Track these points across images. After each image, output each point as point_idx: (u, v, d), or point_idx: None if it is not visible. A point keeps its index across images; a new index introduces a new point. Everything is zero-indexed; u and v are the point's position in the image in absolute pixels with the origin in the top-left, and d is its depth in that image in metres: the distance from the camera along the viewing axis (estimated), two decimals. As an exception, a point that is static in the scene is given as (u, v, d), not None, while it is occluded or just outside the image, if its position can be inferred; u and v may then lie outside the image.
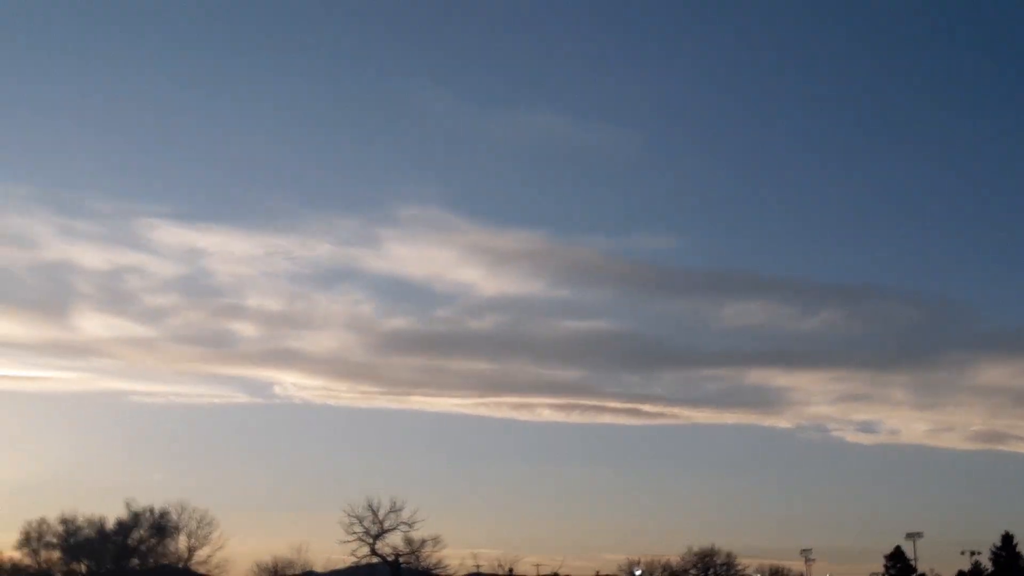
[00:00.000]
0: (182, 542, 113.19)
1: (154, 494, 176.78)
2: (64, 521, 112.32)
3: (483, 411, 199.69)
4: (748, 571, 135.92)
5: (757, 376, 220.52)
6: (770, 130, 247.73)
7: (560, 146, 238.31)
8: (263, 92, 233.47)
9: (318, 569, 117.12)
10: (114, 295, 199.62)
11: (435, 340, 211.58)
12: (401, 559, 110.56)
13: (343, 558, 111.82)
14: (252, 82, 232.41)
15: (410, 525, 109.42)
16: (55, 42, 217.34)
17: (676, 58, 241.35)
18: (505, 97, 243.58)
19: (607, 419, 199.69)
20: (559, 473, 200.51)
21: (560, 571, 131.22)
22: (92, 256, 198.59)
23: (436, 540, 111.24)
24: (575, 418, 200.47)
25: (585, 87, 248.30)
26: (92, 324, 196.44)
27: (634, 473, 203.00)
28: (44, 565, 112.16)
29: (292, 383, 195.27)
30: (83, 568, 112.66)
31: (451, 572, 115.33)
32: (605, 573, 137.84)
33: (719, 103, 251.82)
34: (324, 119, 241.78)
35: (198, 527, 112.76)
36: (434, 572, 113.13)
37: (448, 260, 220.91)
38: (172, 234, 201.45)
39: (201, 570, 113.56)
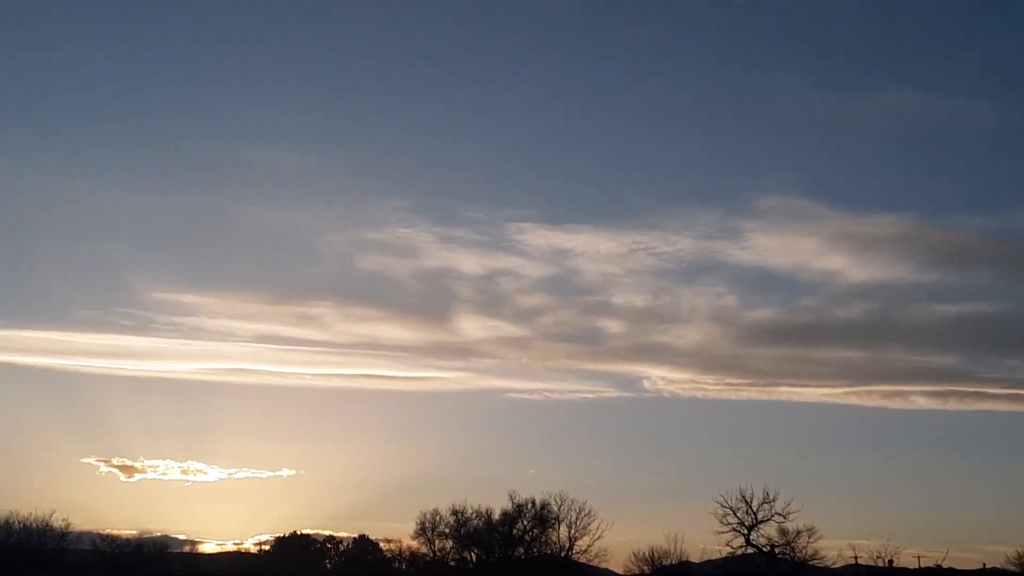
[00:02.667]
0: (563, 532, 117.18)
1: (533, 486, 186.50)
2: (455, 512, 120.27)
3: (853, 400, 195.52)
4: None
5: None
6: None
7: (918, 125, 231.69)
8: (624, 93, 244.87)
9: (694, 559, 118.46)
10: (490, 297, 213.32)
11: (801, 330, 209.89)
12: (777, 550, 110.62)
13: (718, 548, 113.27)
14: (609, 86, 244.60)
15: (784, 516, 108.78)
16: (424, 62, 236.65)
17: None
18: (859, 80, 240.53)
19: (987, 406, 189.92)
20: (936, 462, 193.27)
21: (943, 563, 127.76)
22: (469, 261, 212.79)
23: (811, 531, 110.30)
24: (952, 405, 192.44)
25: (937, 62, 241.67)
26: (471, 326, 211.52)
27: (1021, 462, 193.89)
28: (439, 554, 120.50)
29: (660, 377, 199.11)
30: (473, 557, 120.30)
31: (828, 563, 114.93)
32: (992, 566, 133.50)
33: None
34: (681, 115, 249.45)
35: (577, 518, 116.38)
36: (810, 563, 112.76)
37: (812, 248, 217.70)
38: (541, 237, 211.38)
39: (581, 559, 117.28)
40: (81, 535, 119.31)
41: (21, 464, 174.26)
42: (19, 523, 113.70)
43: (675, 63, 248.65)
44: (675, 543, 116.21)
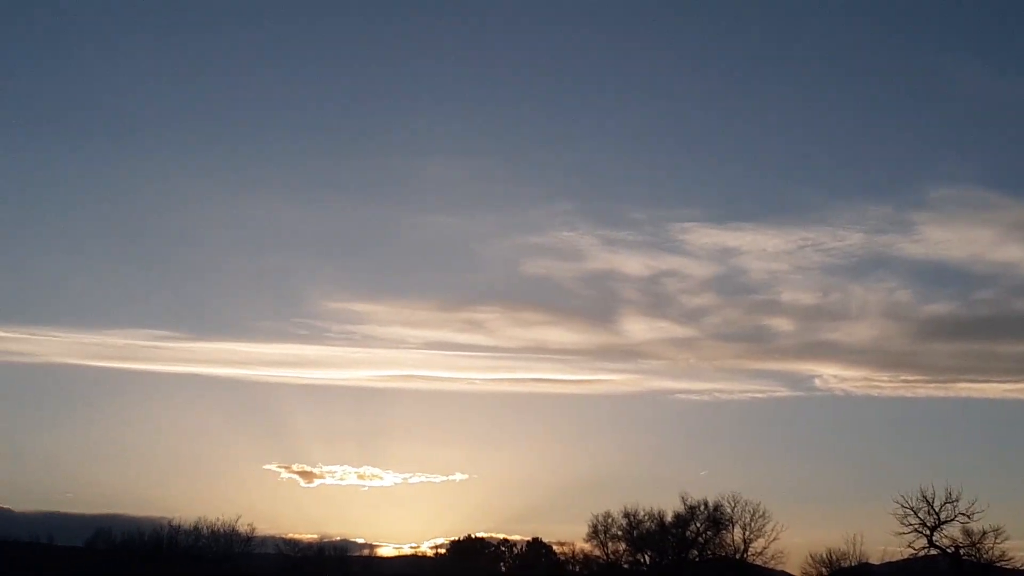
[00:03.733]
0: (737, 534, 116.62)
1: (705, 488, 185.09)
2: (627, 515, 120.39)
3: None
4: None
5: None
6: None
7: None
8: (786, 86, 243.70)
9: (874, 561, 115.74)
10: (655, 298, 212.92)
11: (979, 324, 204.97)
12: (962, 551, 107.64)
13: (899, 550, 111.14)
14: (770, 80, 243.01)
15: (968, 516, 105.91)
16: (585, 65, 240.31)
17: None
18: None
19: None
20: None
21: None
22: (633, 263, 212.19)
23: (998, 532, 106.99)
24: None
25: None
26: (637, 327, 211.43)
27: None
28: (612, 556, 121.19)
29: (832, 375, 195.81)
30: (646, 559, 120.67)
31: (1017, 565, 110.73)
32: None
33: None
34: (847, 105, 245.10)
35: (751, 520, 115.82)
36: (997, 565, 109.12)
37: (988, 240, 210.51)
38: (705, 236, 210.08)
39: (757, 562, 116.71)
40: (265, 539, 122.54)
41: (208, 471, 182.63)
42: (207, 528, 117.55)
43: (839, 50, 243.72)
44: (853, 544, 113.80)
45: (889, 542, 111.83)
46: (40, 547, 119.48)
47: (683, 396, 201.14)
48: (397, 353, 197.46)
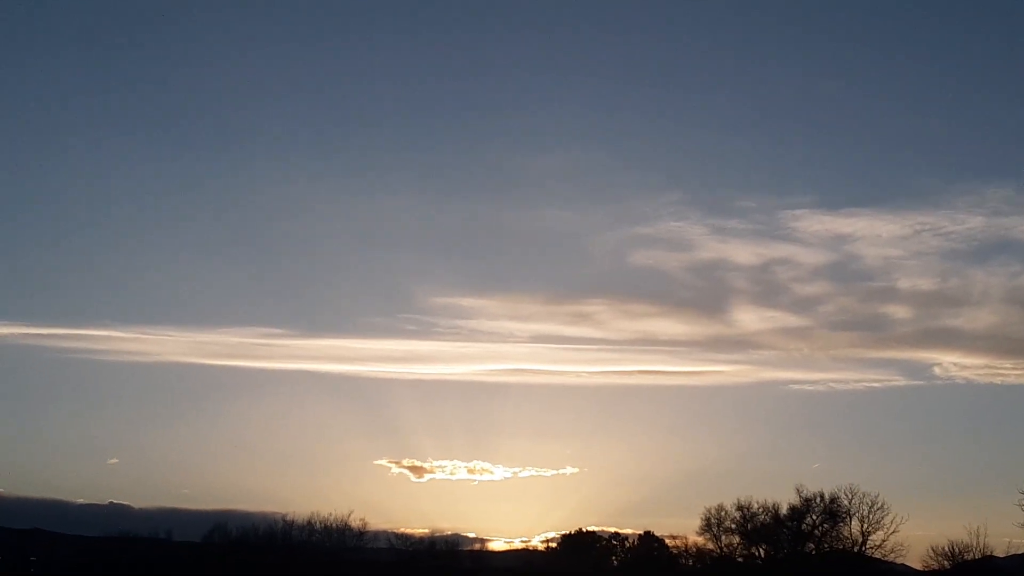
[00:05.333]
0: (854, 527, 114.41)
1: (820, 480, 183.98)
2: (740, 507, 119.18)
3: None
4: None
5: None
6: None
7: None
8: (899, 66, 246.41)
9: (998, 553, 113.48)
10: (766, 287, 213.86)
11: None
12: None
13: None
14: (882, 60, 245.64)
15: None
16: (690, 52, 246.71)
17: None
18: None
19: None
20: None
21: None
22: (743, 252, 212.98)
23: None
24: None
25: None
26: (748, 317, 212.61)
27: None
28: (725, 550, 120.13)
29: (952, 363, 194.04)
30: (761, 552, 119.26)
31: None
32: None
33: None
34: (964, 85, 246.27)
35: (870, 512, 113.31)
36: None
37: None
38: (818, 222, 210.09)
39: (876, 555, 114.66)
40: (377, 534, 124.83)
41: (320, 467, 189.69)
42: (320, 523, 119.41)
43: (952, 28, 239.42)
44: (977, 537, 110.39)
45: (1014, 534, 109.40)
46: (159, 542, 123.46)
47: (796, 387, 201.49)
48: (505, 347, 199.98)
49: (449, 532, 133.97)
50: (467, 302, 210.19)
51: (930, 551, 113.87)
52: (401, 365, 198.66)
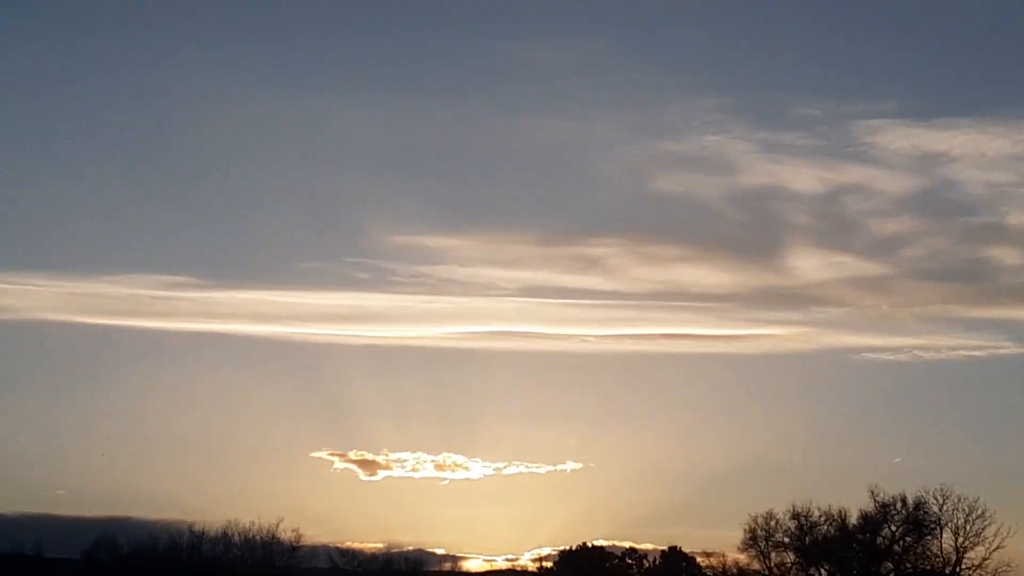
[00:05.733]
0: (947, 541, 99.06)
1: (903, 479, 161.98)
2: (796, 515, 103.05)
3: None
4: None
5: None
6: None
7: None
8: None
9: None
10: (833, 224, 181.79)
11: None
12: None
13: None
14: None
15: None
16: None
17: None
18: None
19: None
20: None
21: None
22: (803, 176, 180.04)
23: None
24: None
25: None
26: (808, 264, 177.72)
27: None
28: (776, 570, 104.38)
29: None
30: (823, 574, 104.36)
31: None
32: None
33: None
34: None
35: (966, 522, 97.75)
36: None
37: None
38: (903, 137, 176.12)
39: None
40: (316, 549, 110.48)
41: (240, 462, 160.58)
42: (240, 535, 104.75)
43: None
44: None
45: None
46: (25, 559, 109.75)
47: (872, 356, 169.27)
48: (486, 302, 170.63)
49: (411, 548, 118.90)
50: (435, 242, 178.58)
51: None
52: (347, 326, 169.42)
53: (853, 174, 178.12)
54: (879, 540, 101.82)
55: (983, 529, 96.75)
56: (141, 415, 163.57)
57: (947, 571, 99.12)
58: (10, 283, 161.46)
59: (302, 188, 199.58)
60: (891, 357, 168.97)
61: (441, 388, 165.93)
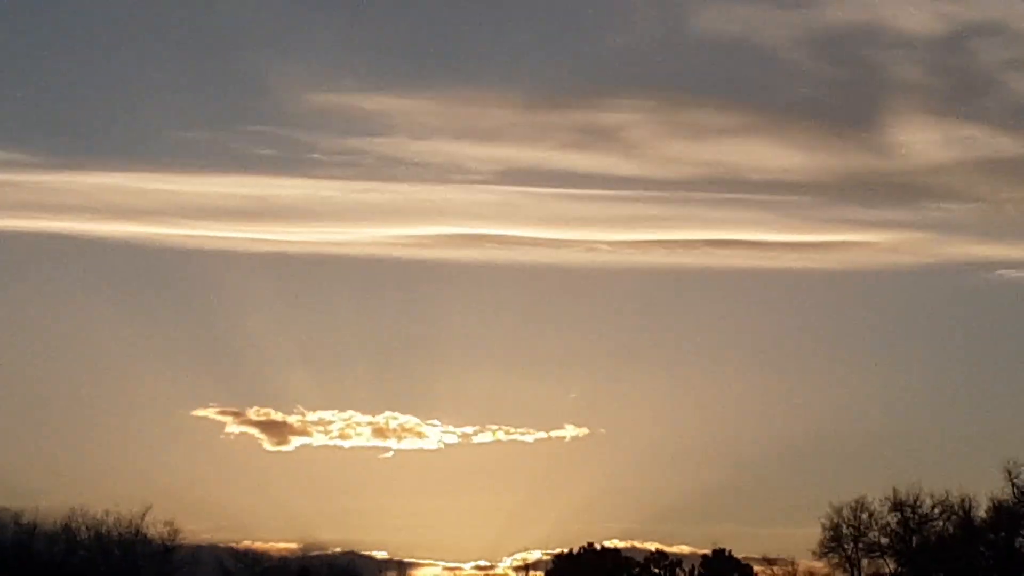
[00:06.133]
0: None
1: None
2: (897, 505, 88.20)
3: None
4: None
5: None
6: None
7: None
8: None
9: None
10: (957, 82, 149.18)
11: None
12: None
13: None
14: None
15: None
16: None
17: None
18: None
19: None
20: None
21: None
22: (914, 13, 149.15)
23: None
24: None
25: None
26: (921, 138, 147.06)
27: None
28: None
29: None
30: None
31: None
32: None
33: None
34: None
35: None
36: None
37: None
38: None
39: None
40: (199, 551, 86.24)
41: (85, 423, 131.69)
42: (89, 529, 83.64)
43: None
44: None
45: None
46: None
47: (1014, 273, 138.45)
48: (446, 191, 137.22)
49: (337, 550, 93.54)
50: (374, 102, 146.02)
51: None
52: (244, 225, 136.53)
53: (984, 9, 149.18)
54: (1017, 541, 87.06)
55: None
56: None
57: None
58: None
59: (176, 22, 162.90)
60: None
61: (383, 319, 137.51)
